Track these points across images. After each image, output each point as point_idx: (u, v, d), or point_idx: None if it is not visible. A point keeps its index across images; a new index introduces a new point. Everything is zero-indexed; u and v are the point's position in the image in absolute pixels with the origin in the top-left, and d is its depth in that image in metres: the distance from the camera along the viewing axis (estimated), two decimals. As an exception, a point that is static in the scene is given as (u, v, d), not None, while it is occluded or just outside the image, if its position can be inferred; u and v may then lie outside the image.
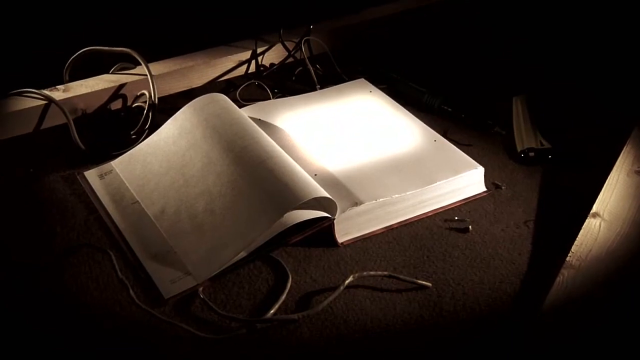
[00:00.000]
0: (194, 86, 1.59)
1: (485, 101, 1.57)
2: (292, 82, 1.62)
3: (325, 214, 1.17)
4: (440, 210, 1.27)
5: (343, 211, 1.18)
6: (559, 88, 1.61)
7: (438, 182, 1.25)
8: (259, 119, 1.40)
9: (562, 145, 1.41)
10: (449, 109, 1.51)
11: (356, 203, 1.19)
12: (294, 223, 1.15)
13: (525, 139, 1.41)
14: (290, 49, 1.64)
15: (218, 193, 1.20)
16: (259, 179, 1.18)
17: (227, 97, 1.39)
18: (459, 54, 1.76)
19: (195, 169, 1.26)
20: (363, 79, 1.56)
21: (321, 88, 1.56)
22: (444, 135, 1.42)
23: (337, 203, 1.17)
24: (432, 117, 1.50)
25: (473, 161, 1.30)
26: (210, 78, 1.61)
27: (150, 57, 1.53)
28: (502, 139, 1.45)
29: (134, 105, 1.49)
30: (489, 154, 1.41)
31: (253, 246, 1.14)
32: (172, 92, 1.56)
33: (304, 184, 1.17)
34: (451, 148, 1.34)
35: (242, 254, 1.14)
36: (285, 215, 1.13)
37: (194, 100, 1.36)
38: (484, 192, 1.31)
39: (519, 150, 1.40)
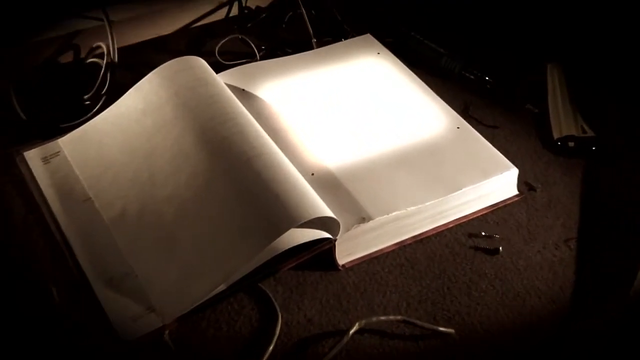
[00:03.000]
0: (163, 34, 1.32)
1: (516, 68, 1.31)
2: (282, 30, 1.35)
3: (326, 235, 0.94)
4: (463, 220, 1.05)
5: (347, 230, 0.95)
6: (605, 55, 1.33)
7: (464, 189, 1.02)
8: (242, 89, 1.15)
9: (607, 132, 1.18)
10: (471, 77, 1.26)
11: (364, 218, 0.96)
12: (287, 248, 0.91)
13: (563, 123, 1.17)
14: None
15: (192, 199, 0.96)
16: (243, 186, 0.94)
17: (203, 62, 1.12)
18: (485, 9, 1.43)
19: (163, 160, 1.01)
20: (369, 35, 1.29)
21: (317, 41, 1.29)
22: (466, 111, 1.20)
23: (340, 220, 0.93)
24: (450, 85, 1.26)
25: (506, 160, 1.07)
26: (183, 24, 1.34)
27: (109, -2, 1.25)
28: (535, 117, 1.21)
29: (88, 61, 1.21)
30: (519, 140, 1.18)
31: (235, 277, 0.91)
32: (136, 41, 1.29)
33: (300, 196, 0.93)
34: (478, 139, 1.10)
35: (222, 287, 0.91)
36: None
37: (162, 66, 1.10)
38: (515, 195, 1.08)
39: (555, 137, 1.16)
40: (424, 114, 1.14)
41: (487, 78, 1.25)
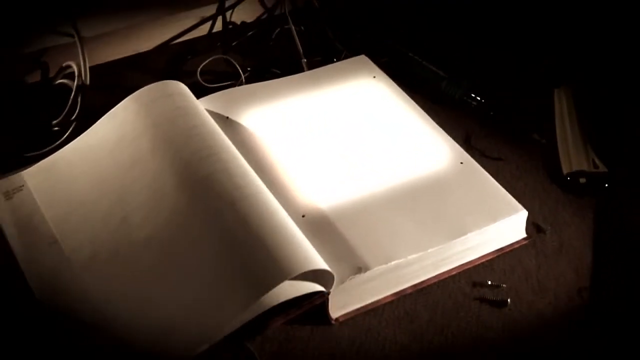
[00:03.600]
0: (140, 51, 1.23)
1: (521, 93, 1.22)
2: (269, 47, 1.25)
3: (319, 287, 0.85)
4: (467, 266, 0.96)
5: (342, 281, 0.86)
6: (617, 77, 1.24)
7: (468, 234, 0.93)
8: (226, 117, 1.06)
9: (622, 166, 1.09)
10: (474, 103, 1.17)
11: (360, 268, 0.87)
12: (276, 304, 0.82)
13: (573, 156, 1.09)
14: (268, 5, 1.26)
15: (170, 245, 0.88)
16: (228, 233, 0.85)
17: (184, 87, 1.04)
18: (489, 30, 1.34)
19: (139, 199, 0.92)
20: (364, 56, 1.20)
21: (308, 62, 1.19)
22: (467, 141, 1.12)
23: (334, 271, 0.85)
24: (450, 112, 1.18)
25: (514, 201, 0.99)
26: (162, 40, 1.24)
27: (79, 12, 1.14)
28: (542, 148, 1.13)
29: (56, 82, 1.11)
30: (526, 175, 1.09)
31: (218, 336, 0.82)
32: (110, 59, 1.20)
33: (291, 245, 0.85)
34: (483, 176, 1.02)
35: (203, 346, 0.82)
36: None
37: (139, 91, 1.02)
38: (524, 238, 0.99)
39: (565, 172, 1.08)
40: (425, 147, 1.05)
41: (489, 104, 1.16)
